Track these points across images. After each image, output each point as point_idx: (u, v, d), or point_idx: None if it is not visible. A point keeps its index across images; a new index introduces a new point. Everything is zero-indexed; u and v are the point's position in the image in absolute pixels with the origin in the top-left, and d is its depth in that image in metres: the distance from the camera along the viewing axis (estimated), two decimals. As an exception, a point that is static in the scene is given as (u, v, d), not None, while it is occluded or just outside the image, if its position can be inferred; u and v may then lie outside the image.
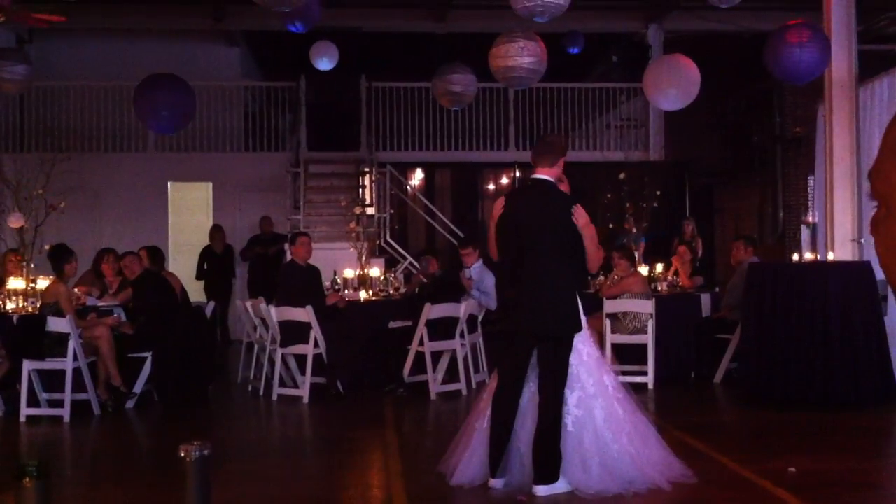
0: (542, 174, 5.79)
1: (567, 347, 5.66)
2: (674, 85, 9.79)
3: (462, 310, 9.29)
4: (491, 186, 16.70)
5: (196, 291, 13.66)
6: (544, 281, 5.63)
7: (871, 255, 9.04)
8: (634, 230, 11.57)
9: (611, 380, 5.84)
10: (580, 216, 5.62)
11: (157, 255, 10.20)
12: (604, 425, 5.64)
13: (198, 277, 14.56)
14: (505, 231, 5.77)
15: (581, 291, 5.90)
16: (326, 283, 10.20)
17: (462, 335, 9.37)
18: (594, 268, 5.90)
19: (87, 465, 7.18)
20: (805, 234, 9.08)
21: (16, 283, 9.32)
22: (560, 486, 5.49)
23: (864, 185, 9.21)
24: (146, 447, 8.10)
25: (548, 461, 5.49)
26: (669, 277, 10.91)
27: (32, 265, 9.67)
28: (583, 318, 5.79)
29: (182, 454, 1.19)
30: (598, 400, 5.69)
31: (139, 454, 7.70)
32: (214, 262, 14.68)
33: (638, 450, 5.67)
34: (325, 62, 12.38)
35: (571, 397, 5.64)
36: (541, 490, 5.47)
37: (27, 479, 1.19)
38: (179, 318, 9.47)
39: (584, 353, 5.77)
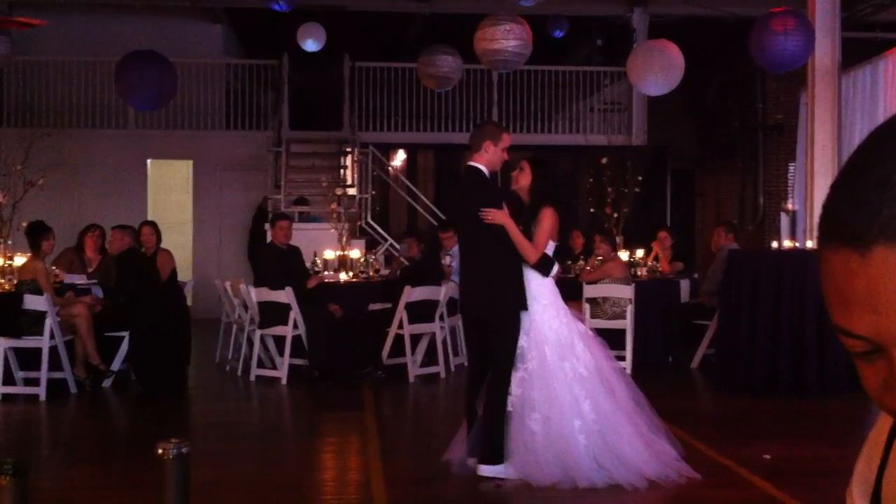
0: (472, 161, 5.83)
1: (505, 329, 5.56)
2: (658, 70, 9.78)
3: (442, 293, 9.28)
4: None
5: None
6: (476, 265, 5.72)
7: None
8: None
9: (577, 366, 5.55)
10: (487, 215, 5.54)
11: (158, 231, 9.95)
12: (547, 409, 5.44)
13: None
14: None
15: (546, 275, 5.68)
16: (307, 265, 10.16)
17: (442, 318, 9.37)
18: (530, 259, 5.68)
19: (64, 446, 7.16)
20: (784, 221, 9.09)
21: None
22: (501, 470, 5.41)
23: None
24: (123, 427, 8.08)
25: (489, 441, 5.47)
26: (649, 262, 10.94)
27: (10, 242, 9.59)
28: (540, 302, 5.60)
29: (160, 451, 1.17)
30: (544, 382, 5.48)
31: (116, 434, 7.68)
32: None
33: (598, 442, 5.44)
34: (311, 44, 12.31)
35: (515, 377, 5.54)
36: (483, 470, 5.46)
37: (3, 478, 1.17)
38: (161, 298, 9.40)
39: (534, 336, 5.54)
